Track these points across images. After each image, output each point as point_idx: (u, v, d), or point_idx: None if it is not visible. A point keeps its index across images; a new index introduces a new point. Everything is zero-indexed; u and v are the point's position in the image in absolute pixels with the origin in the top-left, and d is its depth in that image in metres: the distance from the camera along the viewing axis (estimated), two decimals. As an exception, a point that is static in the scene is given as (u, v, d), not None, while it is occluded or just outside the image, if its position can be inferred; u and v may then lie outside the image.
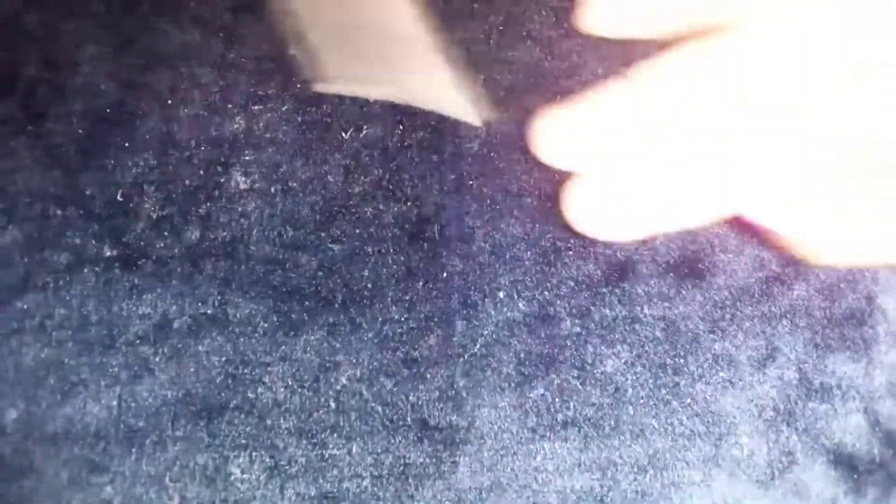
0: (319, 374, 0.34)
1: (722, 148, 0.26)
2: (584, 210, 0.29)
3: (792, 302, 0.34)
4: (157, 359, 0.35)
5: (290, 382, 0.34)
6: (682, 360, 0.33)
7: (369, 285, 0.36)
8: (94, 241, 0.37)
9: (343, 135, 0.40)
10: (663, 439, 0.32)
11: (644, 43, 0.29)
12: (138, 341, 0.35)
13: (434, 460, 0.32)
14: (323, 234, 0.37)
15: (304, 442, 0.33)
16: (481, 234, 0.36)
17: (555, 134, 0.28)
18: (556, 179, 0.35)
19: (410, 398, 0.33)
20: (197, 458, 0.33)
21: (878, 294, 0.34)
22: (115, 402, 0.34)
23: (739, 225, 0.31)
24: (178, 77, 0.42)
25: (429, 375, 0.34)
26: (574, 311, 0.34)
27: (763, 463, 0.32)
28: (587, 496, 0.32)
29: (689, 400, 0.33)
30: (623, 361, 0.34)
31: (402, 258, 0.36)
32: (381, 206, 0.38)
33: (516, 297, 0.35)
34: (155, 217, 0.38)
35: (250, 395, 0.34)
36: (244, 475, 0.32)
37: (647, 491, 0.32)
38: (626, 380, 0.33)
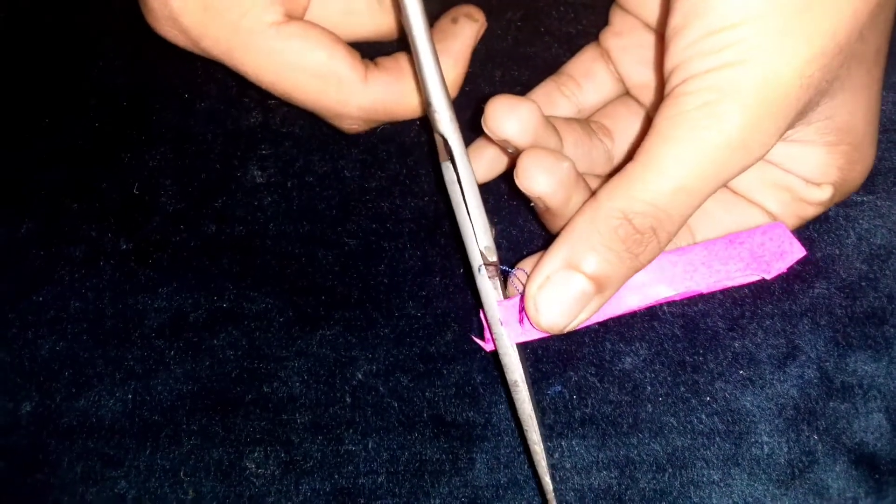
0: (335, 370, 0.34)
1: None
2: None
3: (813, 300, 0.34)
4: (172, 353, 0.35)
5: (305, 377, 0.34)
6: (701, 358, 0.33)
7: (386, 280, 0.36)
8: (109, 235, 0.37)
9: (360, 130, 0.39)
10: (682, 438, 0.32)
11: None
12: (153, 335, 0.35)
13: (450, 457, 0.32)
14: (339, 229, 0.37)
15: (320, 437, 0.33)
16: (498, 230, 0.36)
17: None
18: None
19: (427, 394, 0.33)
20: (212, 452, 0.33)
21: (900, 293, 0.34)
22: (129, 396, 0.34)
23: None
24: (194, 71, 0.42)
25: (445, 371, 0.34)
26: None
27: (783, 462, 0.31)
28: (605, 494, 0.31)
29: (708, 398, 0.32)
30: (642, 359, 0.33)
31: (419, 253, 0.36)
32: (397, 201, 0.37)
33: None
34: (171, 210, 0.38)
35: (266, 389, 0.34)
36: (259, 470, 0.32)
37: (666, 490, 0.31)
38: (645, 377, 0.33)
